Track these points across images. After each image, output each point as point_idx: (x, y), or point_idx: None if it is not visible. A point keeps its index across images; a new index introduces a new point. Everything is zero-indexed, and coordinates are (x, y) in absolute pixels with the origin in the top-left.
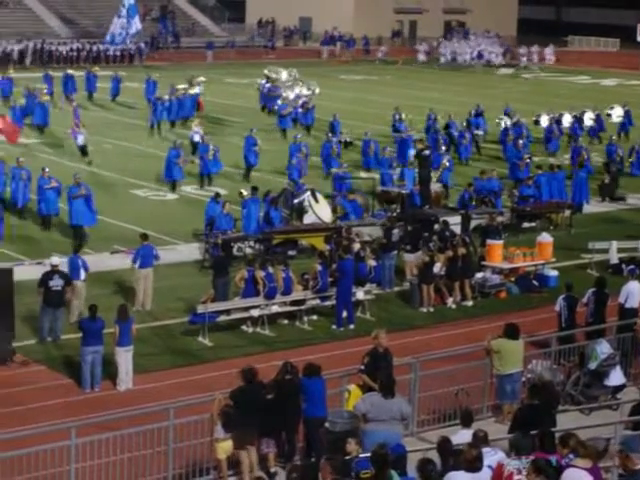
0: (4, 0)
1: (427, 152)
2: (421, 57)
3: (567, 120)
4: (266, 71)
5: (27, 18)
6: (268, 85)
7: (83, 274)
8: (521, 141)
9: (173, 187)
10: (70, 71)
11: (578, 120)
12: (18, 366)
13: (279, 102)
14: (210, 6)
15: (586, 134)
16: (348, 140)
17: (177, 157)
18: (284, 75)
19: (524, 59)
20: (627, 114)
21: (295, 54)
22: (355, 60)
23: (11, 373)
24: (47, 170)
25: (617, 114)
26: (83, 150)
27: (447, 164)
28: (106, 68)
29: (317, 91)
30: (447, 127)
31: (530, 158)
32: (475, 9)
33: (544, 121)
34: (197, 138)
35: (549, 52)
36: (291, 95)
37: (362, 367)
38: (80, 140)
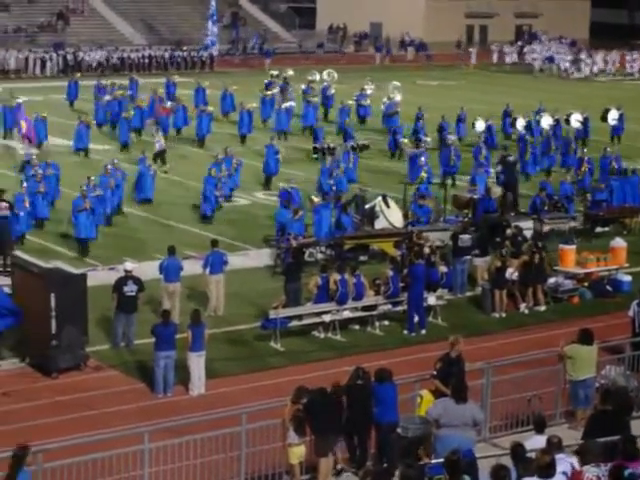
0: (78, 8)
1: (511, 158)
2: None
3: (546, 122)
4: (274, 72)
5: (100, 25)
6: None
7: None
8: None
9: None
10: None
11: (565, 122)
12: (92, 371)
13: (385, 101)
14: (281, 12)
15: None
16: (365, 143)
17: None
18: (321, 76)
19: (631, 65)
20: (621, 118)
21: (365, 59)
22: (427, 65)
23: (85, 378)
24: (92, 179)
25: (576, 119)
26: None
27: (425, 175)
28: (176, 75)
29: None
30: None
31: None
32: (546, 13)
33: (520, 124)
34: (158, 147)
35: None
36: (398, 97)
37: (434, 372)
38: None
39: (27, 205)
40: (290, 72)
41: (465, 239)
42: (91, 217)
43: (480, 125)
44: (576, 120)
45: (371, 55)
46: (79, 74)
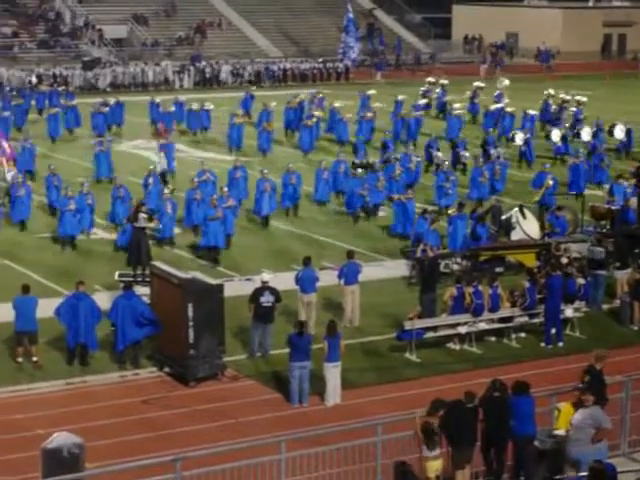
0: (215, 21)
1: None
2: None
3: (587, 134)
4: (431, 79)
5: (237, 38)
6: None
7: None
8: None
9: (356, 218)
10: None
11: (607, 133)
12: (229, 380)
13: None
14: (416, 23)
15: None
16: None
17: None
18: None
19: None
20: (628, 133)
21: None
22: (548, 75)
23: (222, 387)
24: (225, 189)
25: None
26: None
27: (551, 183)
28: (312, 87)
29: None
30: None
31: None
32: None
33: (555, 136)
34: (159, 168)
35: None
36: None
37: (580, 385)
38: (9, 177)
39: (169, 210)
40: (445, 81)
41: (598, 251)
42: (222, 226)
43: (619, 132)
44: (620, 130)
45: (506, 65)
46: (254, 87)
